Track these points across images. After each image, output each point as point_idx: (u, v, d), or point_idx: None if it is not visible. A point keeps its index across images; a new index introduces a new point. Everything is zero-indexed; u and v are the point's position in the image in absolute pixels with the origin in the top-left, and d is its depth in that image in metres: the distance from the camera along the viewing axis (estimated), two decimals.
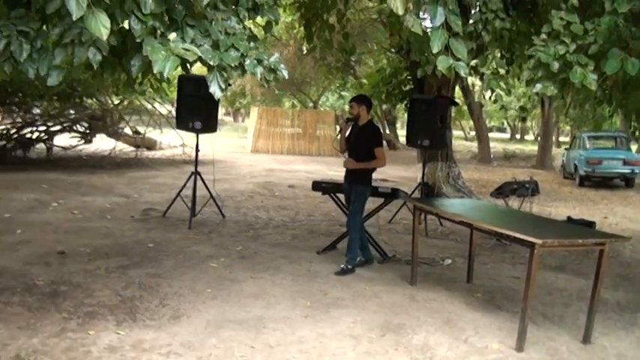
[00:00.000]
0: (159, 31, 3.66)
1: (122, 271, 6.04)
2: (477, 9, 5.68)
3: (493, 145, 30.18)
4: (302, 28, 9.06)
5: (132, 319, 4.72)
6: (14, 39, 3.38)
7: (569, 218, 9.38)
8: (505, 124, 59.36)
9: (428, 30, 4.75)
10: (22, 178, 12.10)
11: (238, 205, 10.70)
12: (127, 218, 8.91)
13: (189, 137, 11.63)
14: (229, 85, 4.11)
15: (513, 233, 4.70)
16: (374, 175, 6.84)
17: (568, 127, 43.05)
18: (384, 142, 29.87)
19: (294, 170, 17.91)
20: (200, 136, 9.03)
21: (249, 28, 4.31)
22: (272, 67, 4.05)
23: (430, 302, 5.60)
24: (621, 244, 8.37)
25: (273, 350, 4.31)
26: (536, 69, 4.68)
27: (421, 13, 5.13)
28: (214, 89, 3.81)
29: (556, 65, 4.56)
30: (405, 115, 12.28)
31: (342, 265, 6.48)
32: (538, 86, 4.71)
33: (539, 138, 31.38)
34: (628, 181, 17.88)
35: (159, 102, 17.30)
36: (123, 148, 17.40)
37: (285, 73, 4.15)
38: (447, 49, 4.57)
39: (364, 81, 20.30)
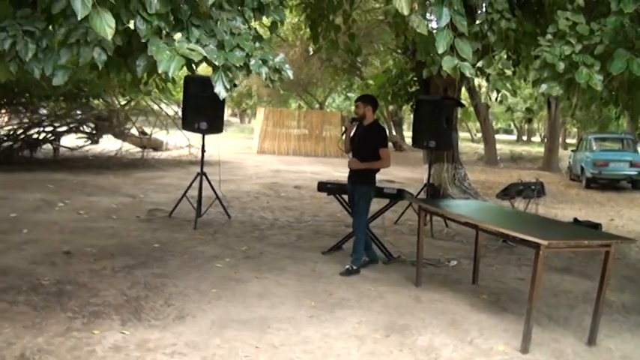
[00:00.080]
0: (164, 31, 3.67)
1: (128, 270, 6.05)
2: (483, 9, 5.68)
3: (499, 147, 30.11)
4: (308, 29, 9.05)
5: (137, 319, 4.73)
6: (20, 39, 3.39)
7: (575, 220, 9.35)
8: (512, 125, 59.27)
9: (433, 30, 4.75)
10: (28, 178, 12.15)
11: (244, 206, 10.71)
12: (133, 218, 8.93)
13: (195, 138, 11.63)
14: (235, 85, 4.11)
15: (519, 234, 4.68)
16: (379, 176, 6.83)
17: (575, 129, 42.97)
18: (390, 144, 30.00)
19: (300, 171, 17.91)
20: (206, 136, 9.05)
21: (255, 29, 4.32)
22: (277, 67, 4.06)
23: (435, 303, 5.58)
24: (627, 246, 8.34)
25: (277, 350, 4.31)
26: (542, 69, 4.67)
27: (427, 14, 5.13)
28: (219, 89, 3.82)
29: (562, 66, 4.55)
30: (411, 116, 12.26)
31: (347, 266, 6.47)
32: (544, 87, 4.70)
33: (545, 140, 31.30)
34: (635, 183, 17.81)
35: (165, 103, 17.34)
36: (129, 148, 17.43)
37: (290, 73, 4.15)
38: (452, 50, 4.57)
39: (370, 82, 20.29)
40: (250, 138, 30.32)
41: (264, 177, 15.82)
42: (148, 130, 18.30)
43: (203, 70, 4.53)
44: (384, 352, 4.40)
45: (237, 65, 3.88)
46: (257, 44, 4.06)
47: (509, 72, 6.15)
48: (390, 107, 29.71)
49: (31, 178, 12.17)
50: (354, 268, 6.43)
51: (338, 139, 7.44)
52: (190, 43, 3.65)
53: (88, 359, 3.97)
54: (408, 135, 29.40)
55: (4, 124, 16.04)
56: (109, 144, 17.16)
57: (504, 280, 6.65)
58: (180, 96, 10.42)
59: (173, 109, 17.57)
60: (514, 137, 58.12)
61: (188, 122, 8.90)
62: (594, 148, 18.48)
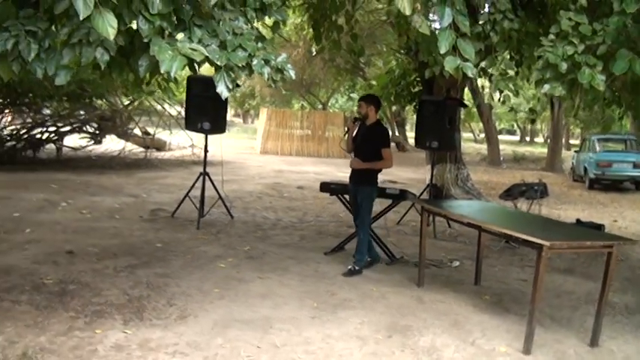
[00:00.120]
0: (166, 32, 3.67)
1: (130, 270, 6.05)
2: (486, 9, 5.67)
3: (502, 148, 30.07)
4: (311, 30, 9.05)
5: (139, 319, 4.73)
6: (22, 39, 3.40)
7: (578, 221, 9.33)
8: (515, 126, 59.23)
9: (436, 30, 4.75)
10: (31, 178, 12.17)
11: (247, 206, 10.72)
12: (136, 218, 8.94)
13: (198, 138, 11.65)
14: (237, 85, 4.12)
15: (521, 235, 4.67)
16: (381, 177, 6.82)
17: (578, 130, 42.91)
18: (393, 144, 30.00)
19: (303, 171, 17.92)
20: (209, 137, 9.05)
21: (257, 29, 4.32)
22: (279, 67, 4.05)
23: (437, 304, 5.58)
24: (630, 248, 8.31)
25: (279, 350, 4.31)
26: (545, 70, 4.66)
27: (430, 15, 5.13)
28: (221, 89, 3.82)
29: (564, 66, 4.54)
30: (414, 116, 12.26)
31: (349, 266, 6.47)
32: (546, 87, 4.70)
33: (548, 140, 31.25)
34: (638, 184, 17.77)
35: (168, 103, 17.36)
36: (132, 148, 17.44)
37: (292, 73, 4.15)
38: (454, 50, 4.57)
39: (373, 82, 20.30)
40: (253, 138, 30.34)
41: (267, 177, 15.83)
42: (151, 130, 18.32)
43: (206, 70, 4.53)
44: (386, 353, 4.40)
45: (240, 65, 3.88)
46: (259, 44, 4.05)
47: (511, 72, 6.14)
48: (393, 108, 29.68)
49: (34, 178, 12.19)
50: (357, 268, 6.43)
51: (340, 139, 7.42)
52: (192, 43, 3.66)
53: (90, 358, 3.98)
54: (411, 135, 29.36)
55: (7, 124, 16.07)
56: (112, 144, 17.18)
57: (507, 281, 6.64)
58: (183, 96, 10.44)
59: (176, 109, 17.59)
60: (517, 138, 58.07)
61: (191, 122, 8.91)
62: (597, 148, 18.44)
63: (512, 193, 9.14)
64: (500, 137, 32.29)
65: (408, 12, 4.26)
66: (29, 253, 6.47)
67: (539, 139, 56.44)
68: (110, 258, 6.48)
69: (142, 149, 17.45)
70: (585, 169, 18.47)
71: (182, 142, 18.04)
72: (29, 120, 15.85)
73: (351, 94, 35.57)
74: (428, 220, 7.38)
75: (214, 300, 5.30)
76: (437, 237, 8.73)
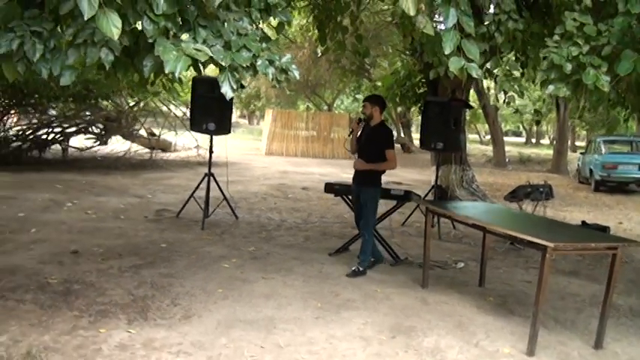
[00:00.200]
0: (171, 32, 3.68)
1: (135, 270, 6.07)
2: (490, 10, 5.67)
3: (508, 149, 30.05)
4: (316, 31, 9.06)
5: (143, 318, 4.74)
6: (27, 39, 3.40)
7: (583, 223, 9.31)
8: (521, 128, 59.17)
9: (440, 31, 4.75)
10: (37, 179, 12.21)
11: (251, 207, 10.73)
12: (141, 219, 8.96)
13: (203, 139, 11.66)
14: (242, 86, 4.12)
15: (525, 236, 4.67)
16: (386, 178, 6.81)
17: (584, 132, 42.85)
18: (398, 145, 30.00)
19: (308, 172, 17.93)
20: (214, 138, 9.07)
21: (262, 29, 4.33)
22: (284, 67, 4.06)
23: (442, 305, 5.57)
24: (635, 250, 8.29)
25: (282, 351, 4.32)
26: (549, 70, 4.66)
27: (436, 16, 5.13)
28: (226, 89, 3.82)
29: (569, 67, 4.53)
30: (420, 117, 12.26)
31: (353, 267, 6.47)
32: (551, 88, 4.69)
33: (554, 142, 31.21)
34: None
35: (174, 104, 17.39)
36: (138, 149, 17.46)
37: (297, 74, 4.15)
38: (459, 50, 4.56)
39: (379, 83, 20.29)
40: (259, 139, 30.38)
41: (271, 178, 15.84)
42: (156, 131, 18.35)
43: (212, 71, 4.54)
44: (390, 354, 4.39)
45: (244, 66, 3.88)
46: (264, 45, 4.06)
47: (517, 73, 6.14)
48: (399, 109, 29.70)
49: (40, 178, 12.24)
50: (361, 269, 6.43)
51: (344, 140, 7.42)
52: (197, 44, 3.66)
53: (94, 357, 3.98)
54: (416, 137, 29.35)
55: (13, 124, 16.13)
56: (117, 145, 17.20)
57: (511, 282, 6.63)
58: (189, 97, 10.46)
59: (182, 110, 17.62)
60: (523, 139, 58.01)
61: (196, 123, 8.92)
62: (603, 150, 18.39)
63: (517, 194, 9.12)
64: (505, 139, 32.27)
65: (412, 12, 4.26)
66: (34, 253, 6.49)
67: (545, 141, 56.37)
68: (115, 258, 6.49)
69: (147, 150, 17.48)
70: (591, 171, 18.42)
71: (187, 143, 18.07)
72: (35, 121, 15.89)
73: (357, 96, 35.59)
74: (432, 221, 7.38)
75: (218, 300, 5.31)
76: (441, 238, 8.72)
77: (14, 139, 15.46)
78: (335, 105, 41.25)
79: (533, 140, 55.88)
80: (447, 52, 4.51)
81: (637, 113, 6.86)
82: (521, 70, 6.74)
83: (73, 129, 16.40)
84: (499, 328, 5.04)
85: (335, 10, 8.19)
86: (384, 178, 6.76)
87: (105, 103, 16.72)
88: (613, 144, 19.58)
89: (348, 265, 6.66)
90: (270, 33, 4.52)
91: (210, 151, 9.14)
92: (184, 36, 3.75)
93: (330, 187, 7.48)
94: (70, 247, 6.79)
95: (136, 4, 3.47)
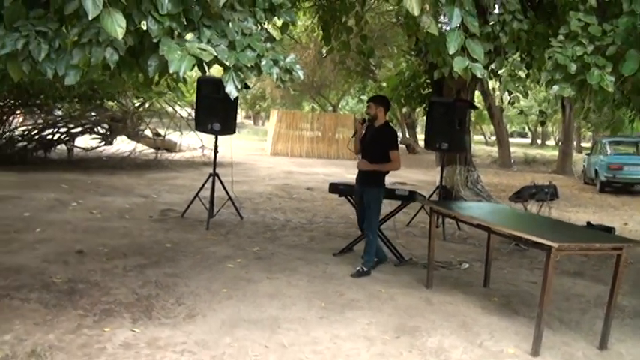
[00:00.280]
0: (176, 32, 3.69)
1: (139, 270, 6.08)
2: (495, 10, 5.66)
3: (513, 150, 30.00)
4: (321, 31, 9.07)
5: (147, 317, 4.76)
6: (33, 39, 3.42)
7: (588, 224, 9.29)
8: (526, 129, 59.07)
9: (445, 31, 4.75)
10: (42, 178, 12.25)
11: (256, 207, 10.74)
12: (146, 218, 8.98)
13: (208, 140, 11.69)
14: (247, 86, 4.12)
15: (530, 236, 4.65)
16: (390, 179, 6.80)
17: (590, 133, 42.76)
18: (403, 146, 30.02)
19: (313, 173, 17.94)
20: (219, 138, 9.08)
21: (266, 30, 4.34)
22: (288, 67, 4.06)
23: (446, 305, 5.57)
24: None
25: (286, 350, 4.32)
26: (554, 70, 4.65)
27: (440, 17, 5.13)
28: (230, 89, 3.83)
29: (573, 67, 4.53)
30: (425, 118, 12.26)
31: (358, 267, 6.47)
32: (555, 88, 4.68)
33: (559, 143, 31.15)
34: None
35: (179, 105, 17.43)
36: (143, 149, 17.52)
37: (301, 74, 4.15)
38: (463, 50, 4.56)
39: (384, 84, 20.30)
40: (264, 140, 30.41)
41: (276, 178, 15.85)
42: (161, 131, 18.40)
43: (217, 72, 4.55)
44: (394, 354, 4.39)
45: (248, 65, 3.89)
46: (268, 45, 4.07)
47: (522, 74, 6.13)
48: (404, 109, 29.69)
49: (45, 178, 12.27)
50: (365, 269, 6.43)
51: (348, 140, 7.42)
52: (201, 44, 3.67)
53: (98, 356, 4.00)
54: (421, 138, 29.34)
55: (19, 124, 16.20)
56: (122, 145, 17.25)
57: (516, 283, 6.62)
58: (194, 97, 10.48)
59: (187, 111, 17.65)
60: (528, 140, 57.93)
61: (201, 123, 8.94)
62: (608, 151, 18.35)
63: (522, 195, 9.11)
64: (511, 140, 32.23)
65: (416, 12, 4.26)
66: (39, 252, 6.51)
67: (551, 142, 56.21)
68: (120, 257, 6.51)
69: (152, 150, 17.54)
70: (596, 172, 18.38)
71: (192, 144, 18.11)
72: (40, 121, 15.97)
73: (362, 96, 35.59)
74: (437, 221, 7.37)
75: (222, 299, 5.31)
76: (446, 239, 8.72)
77: (20, 139, 15.54)
78: (340, 106, 41.27)
79: (539, 141, 55.78)
80: (451, 52, 4.51)
81: None
82: (526, 70, 6.73)
83: (79, 129, 16.47)
84: (503, 329, 5.03)
85: (340, 10, 8.19)
86: (388, 179, 6.76)
87: (110, 103, 16.77)
88: (618, 145, 19.52)
89: (352, 265, 6.66)
90: (274, 33, 4.53)
91: (215, 152, 9.15)
92: (189, 36, 3.77)
93: (334, 188, 7.48)
94: (75, 247, 6.81)
95: (140, 4, 3.48)
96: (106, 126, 16.80)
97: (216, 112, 8.66)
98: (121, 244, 7.15)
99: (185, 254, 6.85)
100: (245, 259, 6.82)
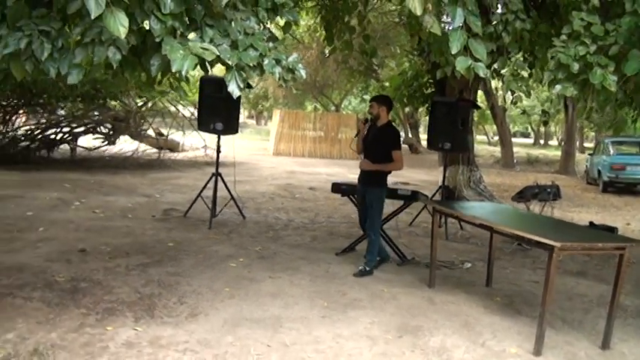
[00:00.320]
0: (178, 31, 3.70)
1: (142, 269, 6.09)
2: (498, 10, 5.66)
3: (516, 150, 29.97)
4: (324, 31, 9.07)
5: (150, 316, 4.76)
6: (35, 38, 3.43)
7: (591, 223, 9.28)
8: (529, 129, 59.01)
9: (447, 30, 4.75)
10: (45, 178, 12.27)
11: (259, 207, 10.74)
12: (148, 218, 8.98)
13: (211, 139, 11.70)
14: (249, 86, 4.12)
15: (532, 236, 4.65)
16: (392, 178, 6.80)
17: (593, 133, 42.71)
18: (406, 146, 30.00)
19: (315, 173, 17.94)
20: (222, 138, 9.08)
21: (269, 29, 4.34)
22: (290, 67, 4.06)
23: (448, 305, 5.56)
24: None
25: (288, 349, 4.32)
26: (557, 70, 4.64)
27: (443, 16, 5.12)
28: (232, 88, 3.83)
29: (576, 66, 4.52)
30: (427, 118, 12.25)
31: (360, 267, 6.46)
32: (558, 87, 4.68)
33: (562, 143, 31.12)
34: None
35: (182, 104, 17.43)
36: (146, 149, 17.52)
37: (304, 73, 4.15)
38: (466, 50, 4.56)
39: (386, 84, 20.30)
40: (266, 140, 30.41)
41: (279, 178, 15.86)
42: (164, 131, 18.41)
43: (220, 71, 4.55)
44: (396, 353, 4.39)
45: (251, 65, 3.89)
46: (271, 44, 4.07)
47: (524, 73, 6.12)
48: (406, 109, 29.68)
49: (48, 178, 12.29)
50: (368, 269, 6.42)
51: (351, 140, 7.42)
52: (204, 43, 3.68)
53: (100, 355, 4.00)
54: (424, 137, 29.32)
55: (22, 124, 16.22)
56: (125, 145, 17.25)
57: (518, 282, 6.61)
58: (196, 97, 10.48)
59: (189, 111, 17.66)
60: (531, 140, 57.86)
61: (204, 123, 8.94)
62: (611, 151, 18.32)
63: (524, 194, 9.10)
64: (514, 140, 32.19)
65: (419, 12, 4.26)
66: (42, 251, 6.53)
67: (553, 142, 56.20)
68: (122, 256, 6.52)
69: (155, 150, 17.53)
70: (599, 172, 18.36)
71: (195, 143, 18.12)
72: (43, 120, 15.98)
73: (364, 96, 35.61)
74: (440, 221, 7.36)
75: (225, 299, 5.32)
76: (449, 239, 8.71)
77: (23, 138, 15.56)
78: (342, 105, 41.29)
79: (542, 141, 55.75)
80: (453, 52, 4.51)
81: None
82: (528, 70, 6.72)
83: (82, 129, 16.47)
84: (506, 328, 5.03)
85: (342, 10, 8.19)
86: (390, 179, 6.75)
87: (113, 103, 16.78)
88: (621, 145, 19.49)
89: (354, 264, 6.66)
90: (277, 33, 4.53)
91: (218, 151, 9.15)
92: (191, 35, 3.77)
93: (337, 187, 7.48)
94: (77, 246, 6.82)
95: (143, 3, 3.49)
96: (109, 125, 16.80)
97: (218, 112, 8.66)
98: (123, 243, 7.16)
99: (187, 253, 6.86)
100: (247, 258, 6.83)
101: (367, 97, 33.67)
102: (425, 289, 6.03)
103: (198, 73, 4.54)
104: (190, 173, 15.20)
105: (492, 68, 5.83)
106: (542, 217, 7.24)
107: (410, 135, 35.03)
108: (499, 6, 5.79)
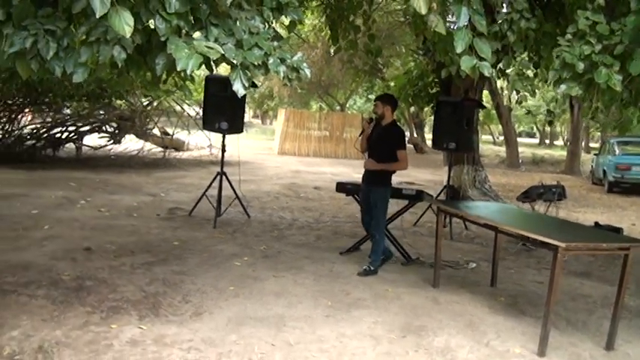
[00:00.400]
0: (183, 30, 3.71)
1: (147, 267, 6.10)
2: (503, 9, 5.65)
3: (522, 150, 29.92)
4: (329, 30, 9.07)
5: (154, 315, 4.77)
6: (41, 37, 3.44)
7: (596, 224, 9.26)
8: (534, 129, 58.89)
9: (452, 30, 4.75)
10: (50, 176, 12.30)
11: (263, 206, 10.75)
12: (154, 217, 9.00)
13: (216, 139, 11.72)
14: (254, 85, 4.13)
15: (537, 236, 4.64)
16: (397, 178, 6.79)
17: (598, 134, 42.60)
18: (411, 145, 29.98)
19: (320, 172, 17.94)
20: (227, 137, 9.09)
21: (274, 28, 4.34)
22: (295, 66, 4.07)
23: (453, 305, 5.56)
24: None
25: (292, 348, 4.33)
26: (562, 69, 4.63)
27: (448, 16, 5.12)
28: (237, 87, 3.84)
29: (581, 66, 4.51)
30: (432, 117, 12.24)
31: (364, 267, 6.46)
32: (563, 87, 4.67)
33: (568, 143, 31.05)
34: None
35: (187, 103, 17.46)
36: (151, 148, 17.56)
37: (308, 72, 4.16)
38: (471, 49, 4.55)
39: (391, 83, 20.29)
40: (272, 139, 30.43)
41: (284, 177, 15.87)
42: (169, 130, 18.44)
43: (225, 71, 4.56)
44: (400, 353, 4.39)
45: (256, 64, 3.89)
46: (275, 43, 4.08)
47: (530, 73, 6.11)
48: (411, 109, 29.66)
49: (54, 176, 12.33)
50: (372, 268, 6.42)
51: (355, 140, 7.42)
52: (209, 42, 3.69)
53: (105, 353, 4.01)
54: (429, 137, 29.30)
55: (27, 123, 16.27)
56: (131, 144, 17.29)
57: (523, 283, 6.60)
58: (201, 96, 10.49)
59: (195, 110, 17.68)
60: (536, 140, 57.76)
61: (209, 122, 8.95)
62: (617, 151, 18.27)
63: (529, 194, 9.09)
64: (519, 140, 32.16)
65: (423, 11, 4.26)
66: (47, 250, 6.54)
67: (559, 142, 56.04)
68: (127, 255, 6.53)
69: (160, 149, 17.57)
70: (604, 172, 18.31)
71: (200, 143, 18.15)
72: (49, 119, 16.04)
73: (369, 96, 35.58)
74: (444, 221, 7.36)
75: (229, 297, 5.33)
76: (453, 238, 8.70)
77: (28, 137, 15.61)
78: (348, 105, 41.25)
79: (547, 141, 55.62)
80: (458, 51, 4.51)
81: None
82: (533, 69, 6.71)
83: (87, 128, 16.52)
84: (510, 329, 5.02)
85: (347, 9, 8.20)
86: (395, 178, 6.75)
87: (118, 102, 16.82)
88: (627, 145, 19.42)
89: (359, 264, 6.66)
90: (282, 32, 4.54)
91: (223, 150, 9.16)
92: (196, 34, 3.78)
93: (341, 187, 7.48)
94: (82, 244, 6.84)
95: (148, 2, 3.50)
96: (115, 124, 16.83)
97: (223, 111, 8.67)
98: (128, 241, 7.18)
99: (192, 252, 6.87)
100: (252, 257, 6.83)
101: (372, 96, 33.61)
102: (429, 289, 6.03)
103: (203, 72, 4.55)
104: (195, 172, 15.22)
105: (497, 68, 5.83)
106: (547, 218, 7.23)
107: (415, 135, 35.02)
108: (504, 5, 5.77)
